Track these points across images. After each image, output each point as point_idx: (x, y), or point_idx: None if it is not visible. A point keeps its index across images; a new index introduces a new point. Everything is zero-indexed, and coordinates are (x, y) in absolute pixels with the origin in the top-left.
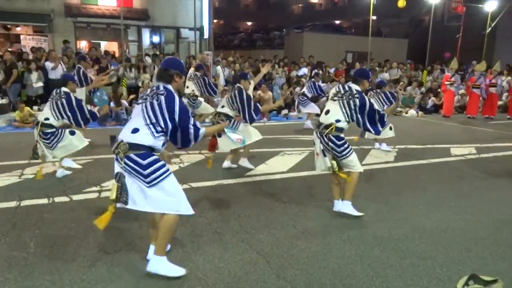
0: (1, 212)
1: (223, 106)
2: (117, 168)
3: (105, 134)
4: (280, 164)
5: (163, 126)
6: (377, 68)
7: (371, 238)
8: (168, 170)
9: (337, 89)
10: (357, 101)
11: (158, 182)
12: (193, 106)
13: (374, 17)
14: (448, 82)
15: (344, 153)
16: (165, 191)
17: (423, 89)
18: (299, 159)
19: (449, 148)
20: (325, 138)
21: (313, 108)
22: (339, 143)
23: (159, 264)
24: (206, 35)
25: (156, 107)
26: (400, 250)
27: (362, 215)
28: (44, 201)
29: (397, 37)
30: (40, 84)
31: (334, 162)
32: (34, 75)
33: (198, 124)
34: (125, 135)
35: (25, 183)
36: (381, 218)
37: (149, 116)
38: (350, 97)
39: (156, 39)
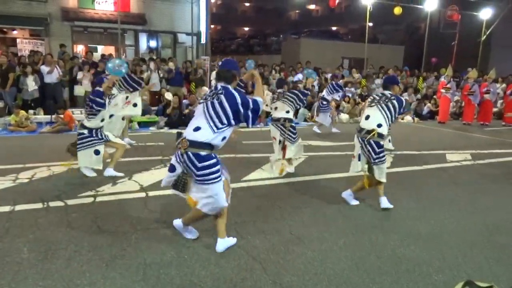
0: None
1: (288, 111)
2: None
3: None
4: (277, 170)
5: (225, 122)
6: (373, 75)
7: (367, 244)
8: (218, 177)
9: (372, 97)
10: (395, 102)
11: (204, 184)
12: None
13: (371, 24)
14: (444, 89)
15: (377, 160)
16: (206, 193)
17: (418, 95)
18: (295, 164)
19: (444, 154)
20: (366, 143)
21: (325, 119)
22: (377, 150)
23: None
24: (203, 40)
25: (217, 106)
26: (396, 256)
27: (392, 207)
28: (39, 205)
29: (394, 44)
30: (36, 88)
31: (367, 166)
32: (30, 79)
33: (256, 100)
34: (188, 132)
35: (19, 188)
36: (376, 224)
37: (210, 115)
38: (387, 100)
39: (153, 43)
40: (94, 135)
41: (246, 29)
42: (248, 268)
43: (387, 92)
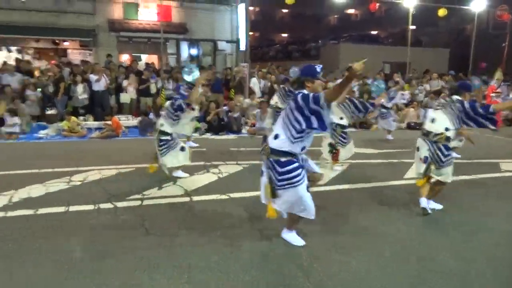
0: (50, 216)
1: (341, 118)
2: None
3: (146, 143)
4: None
5: (299, 128)
6: (413, 81)
7: (413, 256)
8: (299, 180)
9: (439, 101)
10: (457, 104)
11: (287, 188)
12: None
13: (414, 27)
14: (494, 94)
15: (446, 162)
16: (291, 197)
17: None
18: (336, 173)
19: (497, 163)
20: (434, 146)
21: (389, 125)
22: (446, 152)
23: (287, 235)
24: (242, 47)
25: (289, 112)
26: (443, 269)
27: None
28: (90, 207)
29: (438, 47)
30: (85, 95)
31: (432, 168)
32: (79, 87)
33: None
34: (270, 139)
35: (72, 190)
36: (419, 234)
37: (286, 123)
38: (451, 104)
39: (194, 51)
40: (175, 138)
41: (284, 35)
42: (291, 275)
43: (455, 97)
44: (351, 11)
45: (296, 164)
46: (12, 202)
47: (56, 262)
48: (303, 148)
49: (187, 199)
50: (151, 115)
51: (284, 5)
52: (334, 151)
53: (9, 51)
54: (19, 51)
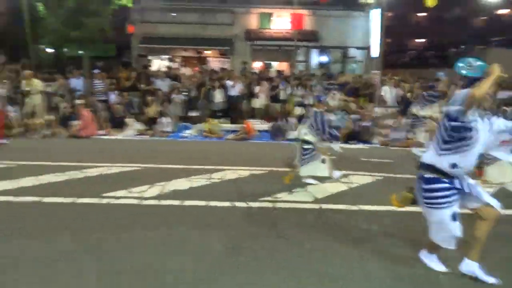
0: (194, 209)
1: None
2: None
3: (277, 147)
4: None
5: (447, 138)
6: None
7: None
8: (443, 204)
9: None
10: None
11: (429, 207)
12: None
13: None
14: None
15: None
16: (431, 217)
17: None
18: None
19: None
20: None
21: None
22: None
23: (427, 258)
24: (374, 54)
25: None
26: None
27: None
28: (227, 204)
29: None
30: (222, 100)
31: None
32: (217, 92)
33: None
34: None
35: (212, 186)
36: None
37: (437, 135)
38: None
39: (323, 59)
40: (315, 149)
41: (419, 40)
42: None
43: None
44: (503, 11)
45: (443, 185)
46: (163, 192)
47: (198, 253)
48: (453, 166)
49: (316, 206)
50: (280, 121)
51: (421, 9)
52: (480, 166)
53: (161, 59)
54: (169, 60)
